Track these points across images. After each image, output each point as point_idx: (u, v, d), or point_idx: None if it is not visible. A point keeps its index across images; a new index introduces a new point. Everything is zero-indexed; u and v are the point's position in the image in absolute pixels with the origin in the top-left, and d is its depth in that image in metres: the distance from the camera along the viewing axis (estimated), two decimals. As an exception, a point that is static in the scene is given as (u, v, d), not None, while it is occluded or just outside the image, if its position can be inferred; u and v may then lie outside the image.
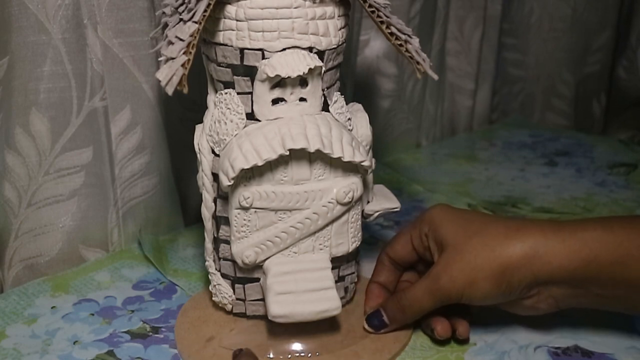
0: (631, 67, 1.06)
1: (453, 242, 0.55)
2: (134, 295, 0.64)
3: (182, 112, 0.72)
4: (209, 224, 0.57)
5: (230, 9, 0.51)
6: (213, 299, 0.59)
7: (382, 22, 0.53)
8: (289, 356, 0.55)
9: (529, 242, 0.53)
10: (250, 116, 0.53)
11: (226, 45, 0.52)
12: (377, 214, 0.59)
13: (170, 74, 0.48)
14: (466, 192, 0.84)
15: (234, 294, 0.57)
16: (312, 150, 0.51)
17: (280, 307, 0.52)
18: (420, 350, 0.57)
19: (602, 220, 0.55)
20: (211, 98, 0.55)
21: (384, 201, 0.60)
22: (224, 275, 0.57)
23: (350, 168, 0.54)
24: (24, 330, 0.59)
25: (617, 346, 0.57)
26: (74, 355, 0.56)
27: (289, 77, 0.51)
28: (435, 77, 0.55)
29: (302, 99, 0.53)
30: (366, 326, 0.57)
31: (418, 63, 0.54)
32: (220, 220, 0.56)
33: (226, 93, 0.53)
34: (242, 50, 0.51)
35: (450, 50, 0.98)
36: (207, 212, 0.56)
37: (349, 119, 0.57)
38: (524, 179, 0.88)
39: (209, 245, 0.57)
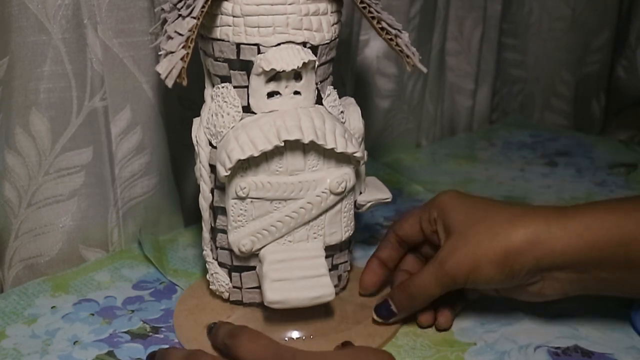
0: (630, 67, 1.06)
1: (459, 228, 0.56)
2: (134, 295, 0.64)
3: (182, 112, 0.72)
4: (206, 214, 0.58)
5: (227, 5, 0.52)
6: (210, 287, 0.60)
7: (373, 18, 0.54)
8: (285, 340, 0.56)
9: (531, 228, 0.53)
10: (247, 109, 0.54)
11: (223, 40, 0.53)
12: (369, 204, 0.61)
13: (169, 67, 0.50)
14: (466, 192, 0.84)
15: (231, 282, 0.59)
16: (306, 141, 0.53)
17: (276, 294, 0.54)
18: (420, 350, 0.57)
19: (604, 202, 0.56)
20: (208, 92, 0.57)
21: (375, 192, 0.62)
22: (221, 264, 0.59)
23: (343, 159, 0.55)
24: (24, 330, 0.59)
25: (617, 346, 0.57)
26: (74, 356, 0.56)
27: (283, 71, 0.52)
28: (424, 69, 0.57)
29: (296, 92, 0.54)
30: (375, 316, 0.58)
31: (408, 57, 0.55)
32: (218, 211, 0.57)
33: (223, 87, 0.55)
34: (238, 45, 0.53)
35: (450, 50, 0.98)
36: (204, 202, 0.58)
37: (342, 112, 0.58)
38: (524, 179, 0.88)
39: (206, 234, 0.59)
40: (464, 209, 0.57)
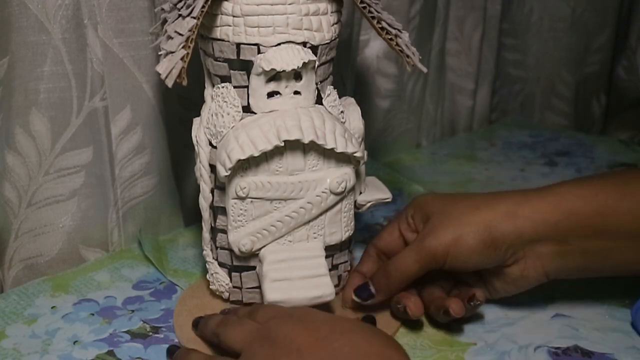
0: (631, 67, 1.06)
1: (440, 210, 0.57)
2: (134, 295, 0.64)
3: (182, 112, 0.72)
4: (206, 214, 0.58)
5: (227, 5, 0.52)
6: (210, 287, 0.61)
7: (373, 18, 0.54)
8: None
9: (512, 200, 0.56)
10: (246, 109, 0.55)
11: (223, 40, 0.53)
12: (369, 204, 0.61)
13: (170, 67, 0.50)
14: (466, 192, 0.84)
15: (231, 282, 0.59)
16: (306, 141, 0.53)
17: (276, 293, 0.54)
18: (420, 350, 0.57)
19: (579, 177, 0.60)
20: (208, 92, 0.57)
21: (375, 192, 0.62)
22: (221, 264, 0.59)
23: (343, 159, 0.55)
24: (24, 330, 0.59)
25: (617, 346, 0.57)
26: (74, 355, 0.56)
27: (283, 70, 0.53)
28: (425, 69, 0.57)
29: (296, 92, 0.54)
30: (354, 297, 0.58)
31: (408, 57, 0.56)
32: (218, 210, 0.57)
33: (223, 87, 0.55)
34: (238, 45, 0.53)
35: (450, 50, 0.98)
36: (204, 202, 0.58)
37: (342, 112, 0.58)
38: (524, 179, 0.88)
39: (206, 234, 0.59)
40: (442, 198, 0.59)
